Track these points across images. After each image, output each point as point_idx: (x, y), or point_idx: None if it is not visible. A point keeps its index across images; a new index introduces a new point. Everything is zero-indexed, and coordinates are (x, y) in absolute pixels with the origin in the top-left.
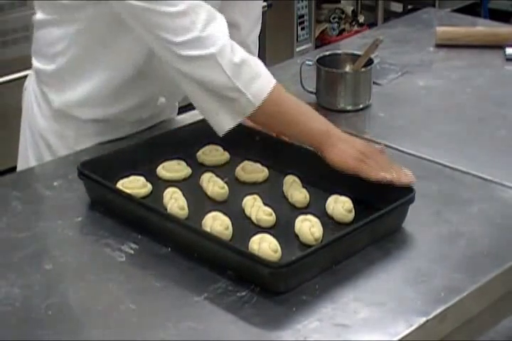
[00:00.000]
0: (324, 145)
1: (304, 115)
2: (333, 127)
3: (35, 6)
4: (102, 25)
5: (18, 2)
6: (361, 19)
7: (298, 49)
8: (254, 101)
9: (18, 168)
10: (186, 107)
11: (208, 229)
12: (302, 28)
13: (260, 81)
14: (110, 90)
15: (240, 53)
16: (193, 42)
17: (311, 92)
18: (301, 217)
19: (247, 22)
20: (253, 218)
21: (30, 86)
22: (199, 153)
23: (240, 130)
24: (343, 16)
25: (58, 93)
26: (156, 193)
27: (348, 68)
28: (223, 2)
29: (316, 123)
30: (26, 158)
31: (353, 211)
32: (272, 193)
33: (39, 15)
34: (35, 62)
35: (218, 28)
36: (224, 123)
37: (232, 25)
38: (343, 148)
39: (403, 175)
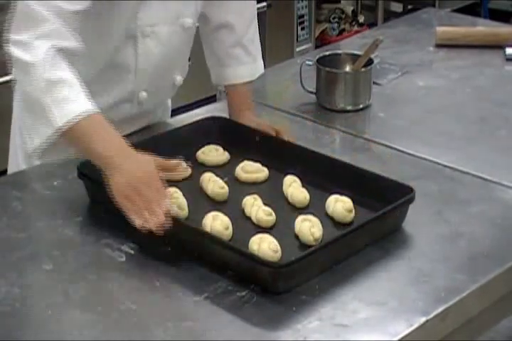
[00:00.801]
0: (106, 173)
1: (95, 142)
2: (119, 153)
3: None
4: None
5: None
6: (361, 19)
7: (298, 49)
8: (55, 122)
9: (9, 170)
10: (186, 107)
11: (208, 229)
12: (302, 28)
13: (70, 104)
14: (86, 82)
15: (61, 72)
16: (22, 44)
17: (311, 92)
18: (301, 217)
19: (241, 21)
20: (253, 218)
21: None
22: (199, 153)
23: (240, 130)
24: (343, 16)
25: None
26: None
27: (348, 68)
28: (212, 3)
29: (101, 150)
30: (16, 161)
31: (353, 211)
32: (272, 193)
33: None
34: None
35: (53, 45)
36: (27, 140)
37: (225, 26)
38: (116, 181)
39: (155, 216)
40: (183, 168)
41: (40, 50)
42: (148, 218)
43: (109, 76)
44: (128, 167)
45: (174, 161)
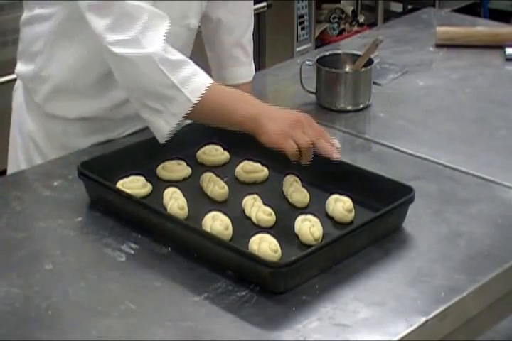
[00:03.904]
0: (255, 129)
1: (233, 106)
2: (263, 109)
3: (23, 6)
4: (76, 20)
5: (18, 2)
6: (361, 19)
7: (298, 49)
8: (191, 98)
9: (9, 171)
10: None
11: (208, 229)
12: (302, 28)
13: (197, 78)
14: (90, 82)
15: (176, 54)
16: (128, 42)
17: (311, 92)
18: (301, 217)
19: (241, 22)
20: (253, 218)
21: (19, 87)
22: (199, 153)
23: None
24: (343, 16)
25: (40, 87)
26: (156, 193)
27: (348, 68)
28: (213, 3)
29: (243, 110)
30: (17, 161)
31: (353, 211)
32: (271, 193)
33: (24, 15)
34: (18, 65)
35: (156, 32)
36: (163, 126)
37: (226, 27)
38: (270, 128)
39: (329, 146)
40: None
41: (151, 41)
42: (321, 146)
43: (113, 76)
44: (281, 115)
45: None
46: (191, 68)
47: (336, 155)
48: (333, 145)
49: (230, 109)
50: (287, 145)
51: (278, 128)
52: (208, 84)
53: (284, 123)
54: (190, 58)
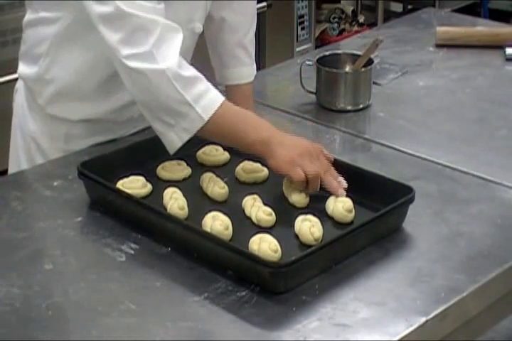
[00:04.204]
0: (265, 153)
1: (244, 127)
2: (273, 133)
3: (26, 6)
4: (82, 24)
5: (18, 2)
6: (361, 19)
7: (298, 49)
8: (203, 115)
9: (10, 171)
10: None
11: (208, 229)
12: (302, 28)
13: (209, 95)
14: (94, 86)
15: (190, 70)
16: (142, 56)
17: (311, 92)
18: (301, 217)
19: (244, 22)
20: (253, 218)
21: (21, 88)
22: (199, 153)
23: None
24: (343, 16)
25: (44, 89)
26: (156, 193)
27: (348, 68)
28: (217, 3)
29: (255, 134)
30: (18, 161)
31: (353, 211)
32: (271, 193)
33: (27, 16)
34: (21, 66)
35: (170, 46)
36: (175, 140)
37: (229, 27)
38: (280, 154)
39: (335, 183)
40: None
41: (165, 56)
42: (328, 181)
43: (117, 79)
44: (292, 143)
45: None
46: (204, 85)
47: (341, 192)
48: (339, 182)
49: (241, 130)
50: (295, 173)
51: (287, 154)
52: (220, 102)
53: (294, 150)
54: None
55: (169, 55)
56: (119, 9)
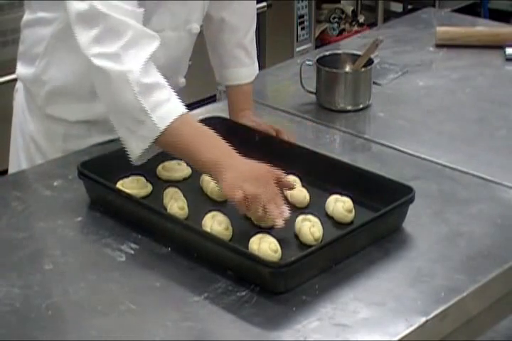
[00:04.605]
0: (214, 175)
1: (198, 145)
2: (225, 156)
3: (25, 7)
4: None
5: (18, 2)
6: (361, 19)
7: (298, 49)
8: (159, 125)
9: (10, 171)
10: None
11: (207, 229)
12: (302, 28)
13: (168, 105)
14: (90, 87)
15: (154, 77)
16: (109, 56)
17: (311, 92)
18: (301, 217)
19: (244, 22)
20: (253, 218)
21: (21, 88)
22: None
23: (239, 130)
24: (343, 16)
25: (41, 90)
26: (156, 193)
27: (348, 68)
28: (217, 3)
29: (208, 153)
30: (18, 161)
31: (353, 211)
32: None
33: (26, 16)
34: (19, 67)
35: (139, 51)
36: (134, 147)
37: (228, 27)
38: (226, 177)
39: (277, 211)
40: (291, 186)
41: (131, 59)
42: (262, 216)
43: None
44: (241, 167)
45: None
46: (165, 94)
47: (279, 223)
48: (281, 212)
49: (195, 147)
50: (234, 193)
51: (233, 179)
52: (177, 114)
53: (241, 175)
54: (190, 60)
55: (135, 60)
56: (94, 8)
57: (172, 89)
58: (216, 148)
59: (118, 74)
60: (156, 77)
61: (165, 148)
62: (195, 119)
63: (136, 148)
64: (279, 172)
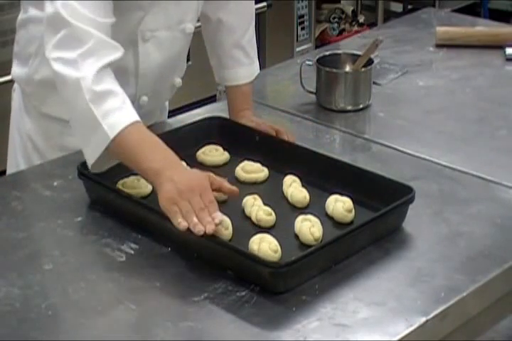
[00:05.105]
0: (154, 185)
1: (141, 153)
2: (166, 166)
3: (21, 7)
4: None
5: (18, 2)
6: (361, 19)
7: (298, 49)
8: (108, 133)
9: (8, 171)
10: (186, 107)
11: None
12: (302, 28)
13: (119, 114)
14: None
15: (107, 85)
16: (67, 61)
17: (311, 92)
18: (301, 217)
19: (240, 23)
20: (253, 218)
21: (18, 88)
22: (199, 153)
23: (239, 130)
24: (343, 16)
25: (35, 90)
26: (156, 193)
27: (348, 68)
28: (213, 3)
29: (148, 162)
30: (15, 160)
31: (353, 211)
32: (271, 193)
33: (20, 16)
34: (14, 67)
35: (97, 61)
36: (88, 154)
37: (225, 27)
38: (165, 189)
39: (202, 223)
40: (234, 192)
41: (87, 66)
42: (195, 222)
43: None
44: (179, 178)
45: (228, 184)
46: (117, 102)
47: (208, 229)
48: (213, 220)
49: (138, 156)
50: (170, 211)
51: (169, 191)
52: (128, 122)
53: (177, 187)
54: (188, 60)
55: (91, 68)
56: (58, 14)
57: (126, 97)
58: (158, 157)
59: (73, 80)
60: (110, 84)
61: (116, 157)
62: (145, 128)
63: (91, 156)
64: (217, 180)
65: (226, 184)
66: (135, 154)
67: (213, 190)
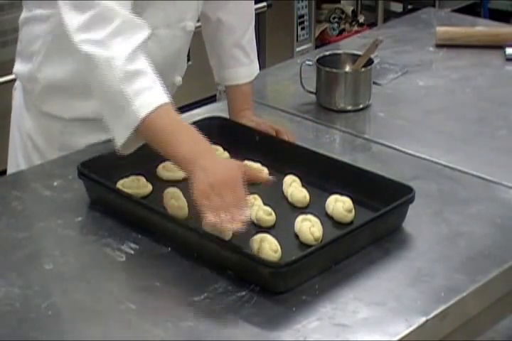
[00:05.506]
0: (187, 173)
1: (175, 139)
2: (201, 154)
3: (22, 5)
4: None
5: (18, 2)
6: (361, 19)
7: (298, 49)
8: (139, 112)
9: (9, 171)
10: (186, 107)
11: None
12: (302, 28)
13: (150, 93)
14: (85, 85)
15: (139, 65)
16: (95, 42)
17: (311, 92)
18: (301, 217)
19: (240, 23)
20: (253, 218)
21: (19, 86)
22: None
23: (239, 130)
24: (343, 16)
25: (37, 87)
26: (156, 193)
27: (348, 68)
28: (213, 3)
29: (183, 149)
30: (16, 159)
31: (353, 211)
32: (272, 193)
33: (23, 14)
34: (16, 65)
35: (126, 40)
36: (118, 135)
37: (225, 27)
38: (199, 180)
39: (231, 220)
40: (269, 181)
41: (117, 46)
42: (224, 219)
43: None
44: (213, 169)
45: (262, 172)
46: (148, 82)
47: (235, 227)
48: (240, 216)
49: (172, 140)
50: (203, 207)
51: (203, 181)
52: (158, 103)
53: (211, 178)
54: (189, 60)
55: (121, 47)
56: None
57: (158, 80)
58: (193, 143)
59: (103, 60)
60: (141, 64)
61: (145, 139)
62: (175, 111)
63: (120, 137)
64: (251, 170)
65: (260, 174)
66: (167, 138)
67: (247, 180)
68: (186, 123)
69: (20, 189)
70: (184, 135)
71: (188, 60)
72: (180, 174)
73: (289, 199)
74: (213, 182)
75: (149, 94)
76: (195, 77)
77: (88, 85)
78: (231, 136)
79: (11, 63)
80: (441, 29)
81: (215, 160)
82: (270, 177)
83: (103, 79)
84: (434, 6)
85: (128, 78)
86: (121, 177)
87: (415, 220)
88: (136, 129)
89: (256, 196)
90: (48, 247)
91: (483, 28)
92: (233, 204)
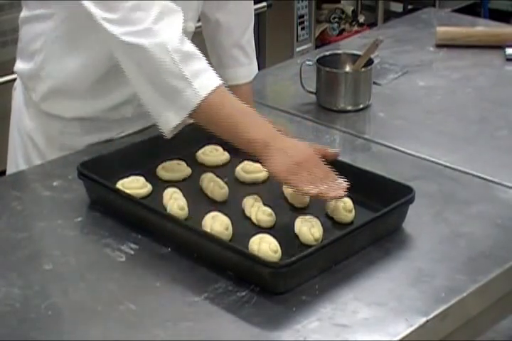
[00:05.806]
0: (261, 155)
1: (244, 121)
2: (273, 135)
3: (22, 4)
4: (76, 21)
5: (18, 2)
6: (361, 19)
7: (298, 49)
8: (200, 92)
9: (8, 171)
10: None
11: (207, 229)
12: (302, 28)
13: (208, 74)
14: (88, 84)
15: (191, 46)
16: (140, 32)
17: (311, 92)
18: (301, 217)
19: (241, 23)
20: (253, 218)
21: (19, 85)
22: (199, 153)
23: None
24: (343, 16)
25: (38, 86)
26: (156, 193)
27: (348, 68)
28: (212, 4)
29: (254, 131)
30: (15, 159)
31: (353, 211)
32: (271, 193)
33: (23, 13)
34: (17, 63)
35: (170, 23)
36: (169, 119)
37: (224, 27)
38: (278, 159)
39: (332, 189)
40: (337, 154)
41: (164, 30)
42: (325, 189)
43: (111, 78)
44: (293, 149)
45: (328, 150)
46: (203, 64)
47: (340, 194)
48: (339, 186)
49: (240, 123)
50: (300, 184)
51: (285, 162)
52: (217, 84)
53: (292, 158)
54: None
55: (169, 30)
56: None
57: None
58: (264, 126)
59: (155, 45)
60: (191, 47)
61: (203, 122)
62: (231, 94)
63: (173, 120)
64: (319, 148)
65: (328, 151)
66: (235, 121)
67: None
68: (246, 105)
69: (20, 189)
70: (250, 117)
71: None
72: (179, 174)
73: (289, 199)
74: (299, 161)
75: (206, 76)
76: None
77: (91, 89)
78: None
79: (11, 63)
80: (441, 29)
81: (291, 142)
82: (337, 151)
83: (158, 65)
84: (434, 6)
85: (185, 60)
86: (121, 178)
87: (415, 220)
88: (194, 111)
89: (256, 196)
90: (47, 247)
91: (484, 28)
92: (325, 177)
